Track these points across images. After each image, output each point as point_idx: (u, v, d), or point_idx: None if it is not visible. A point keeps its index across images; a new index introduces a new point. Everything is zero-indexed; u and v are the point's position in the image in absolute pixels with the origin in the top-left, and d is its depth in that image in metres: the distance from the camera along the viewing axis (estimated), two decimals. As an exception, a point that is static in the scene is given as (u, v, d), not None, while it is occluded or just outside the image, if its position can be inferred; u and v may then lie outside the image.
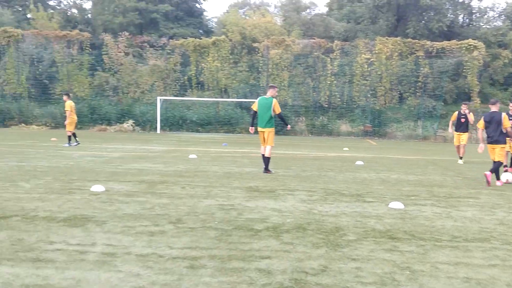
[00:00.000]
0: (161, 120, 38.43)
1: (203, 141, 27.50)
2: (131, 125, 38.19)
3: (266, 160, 13.17)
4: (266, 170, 13.09)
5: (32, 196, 8.54)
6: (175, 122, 39.79)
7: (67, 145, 20.83)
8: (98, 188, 9.39)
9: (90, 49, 41.02)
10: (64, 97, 21.93)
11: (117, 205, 7.98)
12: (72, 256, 5.14)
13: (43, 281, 4.35)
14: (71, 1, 64.48)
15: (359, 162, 16.63)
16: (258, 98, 13.65)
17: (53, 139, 25.12)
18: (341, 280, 4.68)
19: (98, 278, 4.49)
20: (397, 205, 8.57)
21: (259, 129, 13.25)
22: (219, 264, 5.00)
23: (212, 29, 61.85)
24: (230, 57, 41.66)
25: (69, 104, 21.18)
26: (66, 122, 21.13)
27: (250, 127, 13.52)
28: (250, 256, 5.31)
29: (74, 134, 21.34)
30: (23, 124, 38.71)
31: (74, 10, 63.35)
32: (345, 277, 4.77)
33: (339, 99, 40.14)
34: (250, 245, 5.76)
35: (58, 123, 38.42)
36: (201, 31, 59.85)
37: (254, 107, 13.41)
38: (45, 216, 6.96)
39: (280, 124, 14.02)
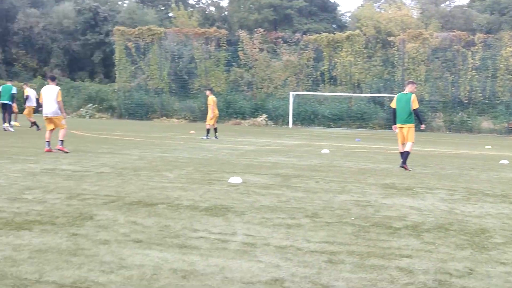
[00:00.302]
0: (293, 115, 38.83)
1: (335, 136, 27.37)
2: (264, 119, 38.97)
3: (406, 154, 12.79)
4: (404, 164, 12.69)
5: (175, 186, 8.99)
6: (307, 117, 40.01)
7: (205, 137, 21.69)
8: (235, 179, 9.67)
9: (227, 46, 42.37)
10: (207, 92, 22.82)
11: (254, 196, 8.17)
12: (214, 244, 5.33)
13: (190, 267, 4.56)
14: (209, 0, 67.04)
15: (503, 161, 15.62)
16: (397, 95, 13.33)
17: (191, 131, 26.32)
18: (489, 284, 4.41)
19: (240, 266, 4.61)
20: (549, 208, 7.93)
21: (398, 125, 12.91)
22: (358, 260, 4.93)
23: (346, 24, 61.33)
24: (364, 51, 41.03)
25: (212, 99, 21.96)
26: (211, 116, 21.80)
27: (393, 126, 13.20)
28: (390, 254, 5.18)
29: (215, 129, 22.08)
30: (164, 117, 40.99)
31: (212, 8, 65.86)
32: (494, 281, 4.49)
33: (480, 95, 38.01)
34: (389, 243, 5.62)
35: (196, 116, 40.23)
36: (334, 26, 59.61)
37: (393, 104, 13.11)
38: (188, 205, 7.29)
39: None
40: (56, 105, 14.06)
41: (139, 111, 42.27)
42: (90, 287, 3.99)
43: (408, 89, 12.98)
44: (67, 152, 13.67)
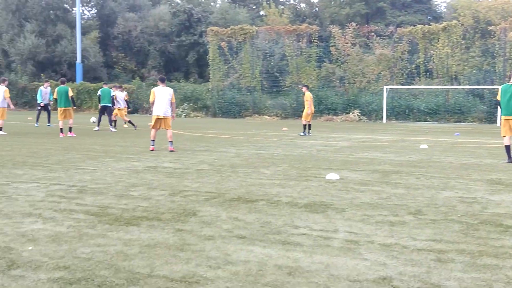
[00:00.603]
0: (387, 110, 37.97)
1: (432, 131, 26.47)
2: (357, 115, 38.40)
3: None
4: (512, 159, 12.13)
5: (273, 182, 9.04)
6: (402, 111, 38.98)
7: (302, 134, 21.69)
8: (332, 176, 9.58)
9: (318, 42, 42.11)
10: (303, 89, 22.87)
11: (353, 193, 8.05)
12: (317, 241, 5.30)
13: (294, 263, 4.55)
14: (299, -4, 66.94)
15: None
16: (501, 86, 12.70)
17: (284, 128, 26.40)
18: None
19: (345, 264, 4.55)
20: None
21: (504, 117, 12.30)
22: (469, 259, 4.71)
23: (442, 15, 59.17)
24: (462, 42, 39.35)
25: (308, 95, 22.00)
26: (308, 112, 21.81)
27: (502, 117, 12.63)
28: (503, 253, 4.92)
29: (309, 126, 22.04)
30: (256, 115, 41.37)
31: (303, 5, 65.67)
32: None
33: None
34: (501, 241, 5.34)
35: (287, 113, 40.32)
36: (429, 17, 57.65)
37: (498, 96, 12.51)
38: (287, 202, 7.30)
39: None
40: (169, 106, 14.47)
41: (232, 110, 42.89)
42: (199, 282, 4.08)
43: (514, 79, 12.33)
44: (174, 151, 14.10)
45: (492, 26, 39.79)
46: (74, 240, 5.24)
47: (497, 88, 12.80)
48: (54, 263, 4.49)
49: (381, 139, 20.41)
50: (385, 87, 38.11)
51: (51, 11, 53.26)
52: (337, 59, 41.91)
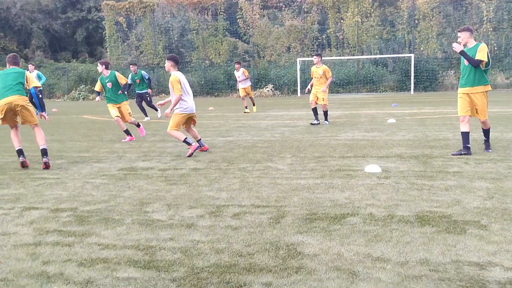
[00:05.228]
0: (300, 82, 36.87)
1: (367, 102, 25.53)
2: (270, 89, 37.01)
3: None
4: None
5: (314, 183, 7.02)
6: (313, 84, 38.15)
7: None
8: (374, 168, 7.74)
9: (224, 14, 39.96)
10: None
11: (453, 194, 6.29)
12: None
13: None
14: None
15: None
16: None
17: (211, 108, 24.22)
18: None
19: None
20: None
21: None
22: None
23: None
24: (371, 10, 38.93)
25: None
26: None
27: None
28: None
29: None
30: (163, 94, 38.71)
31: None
32: None
33: None
34: None
35: (195, 91, 38.08)
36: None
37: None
38: (385, 216, 5.33)
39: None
40: None
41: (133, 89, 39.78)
42: None
43: None
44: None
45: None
46: None
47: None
48: None
49: (331, 114, 18.83)
50: (298, 60, 36.88)
51: None
52: (245, 32, 40.07)
